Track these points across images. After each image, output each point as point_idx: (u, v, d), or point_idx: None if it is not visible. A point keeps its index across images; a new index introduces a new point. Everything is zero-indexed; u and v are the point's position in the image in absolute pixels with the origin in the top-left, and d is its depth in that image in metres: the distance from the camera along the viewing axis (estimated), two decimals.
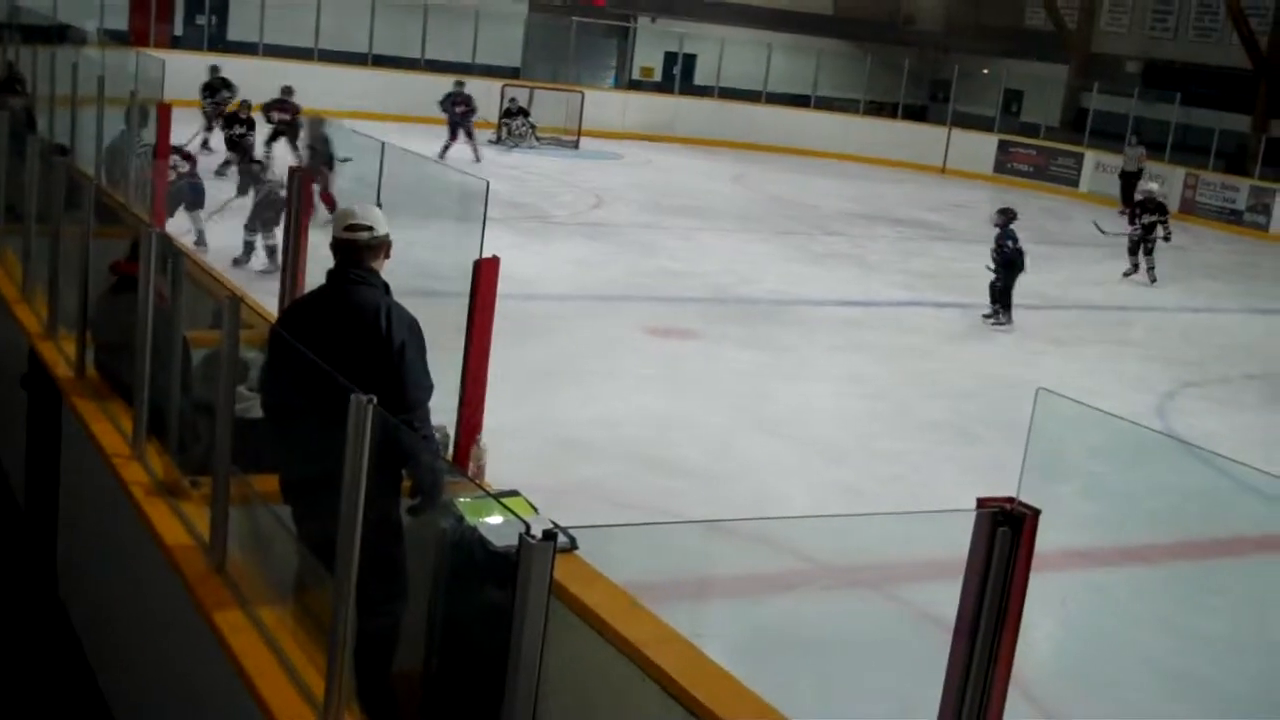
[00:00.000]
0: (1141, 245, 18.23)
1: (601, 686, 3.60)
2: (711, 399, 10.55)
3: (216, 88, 20.90)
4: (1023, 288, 15.51)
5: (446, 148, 22.49)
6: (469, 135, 23.14)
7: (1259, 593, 7.69)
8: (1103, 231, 19.39)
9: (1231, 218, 26.23)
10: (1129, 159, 26.78)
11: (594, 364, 11.22)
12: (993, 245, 14.34)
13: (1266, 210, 25.85)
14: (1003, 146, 30.22)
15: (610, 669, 3.44)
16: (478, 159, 22.42)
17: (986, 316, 14.26)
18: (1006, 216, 14.35)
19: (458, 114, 23.21)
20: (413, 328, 4.23)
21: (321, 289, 4.41)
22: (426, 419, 4.32)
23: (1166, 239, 18.37)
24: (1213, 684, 6.47)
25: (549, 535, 2.63)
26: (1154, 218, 18.20)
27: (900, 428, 10.33)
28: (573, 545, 3.68)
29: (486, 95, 26.81)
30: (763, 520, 7.09)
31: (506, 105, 26.48)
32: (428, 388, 4.25)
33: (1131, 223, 18.74)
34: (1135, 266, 18.39)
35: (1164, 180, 27.05)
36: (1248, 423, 11.82)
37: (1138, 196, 19.54)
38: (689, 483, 8.43)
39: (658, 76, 33.63)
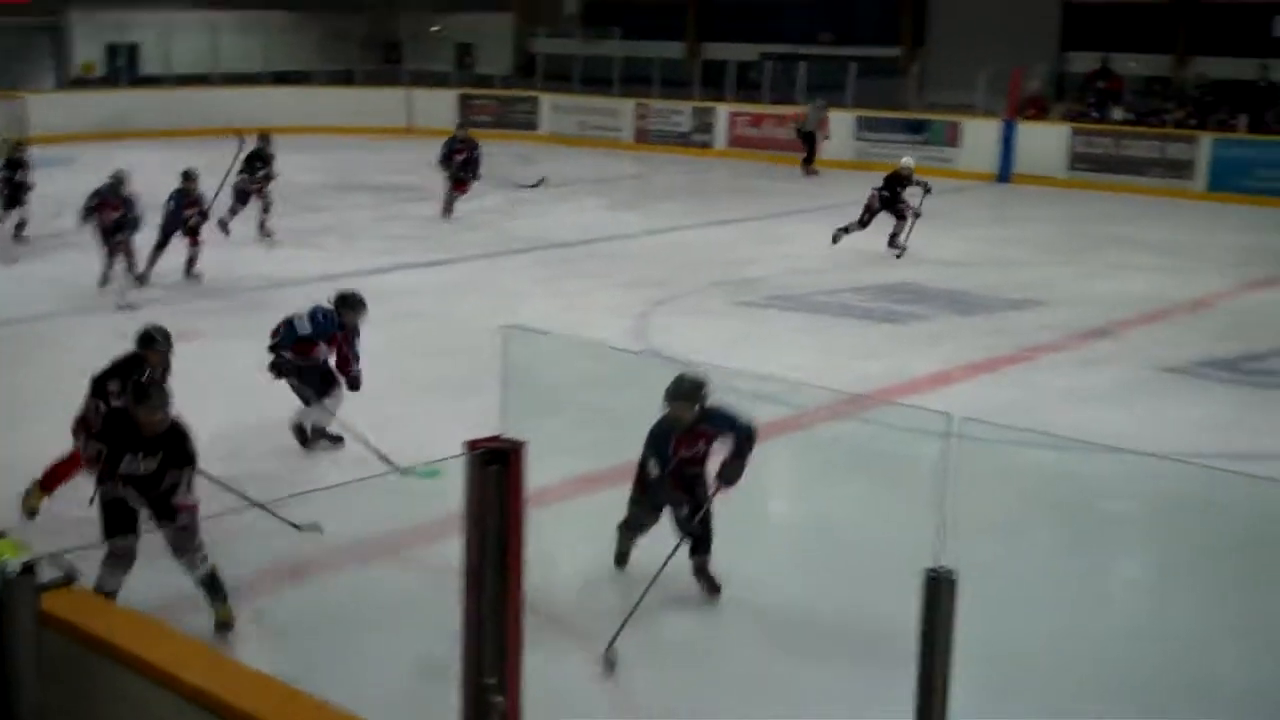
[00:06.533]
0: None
1: (135, 716, 3.54)
2: (215, 398, 10.21)
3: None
4: (505, 231, 16.04)
5: None
6: None
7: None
8: (525, 186, 21.83)
9: (680, 140, 28.15)
10: (809, 119, 24.76)
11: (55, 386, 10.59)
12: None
13: (709, 129, 27.94)
14: (463, 100, 30.87)
15: (142, 696, 3.39)
16: None
17: None
18: (188, 180, 14.89)
19: None
20: None
21: None
22: None
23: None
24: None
25: (29, 568, 2.57)
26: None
27: (402, 393, 10.36)
28: (70, 578, 3.51)
29: None
30: (274, 506, 7.03)
31: None
32: None
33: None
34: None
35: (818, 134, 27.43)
36: (718, 327, 12.92)
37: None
38: None
39: (102, 71, 31.80)
